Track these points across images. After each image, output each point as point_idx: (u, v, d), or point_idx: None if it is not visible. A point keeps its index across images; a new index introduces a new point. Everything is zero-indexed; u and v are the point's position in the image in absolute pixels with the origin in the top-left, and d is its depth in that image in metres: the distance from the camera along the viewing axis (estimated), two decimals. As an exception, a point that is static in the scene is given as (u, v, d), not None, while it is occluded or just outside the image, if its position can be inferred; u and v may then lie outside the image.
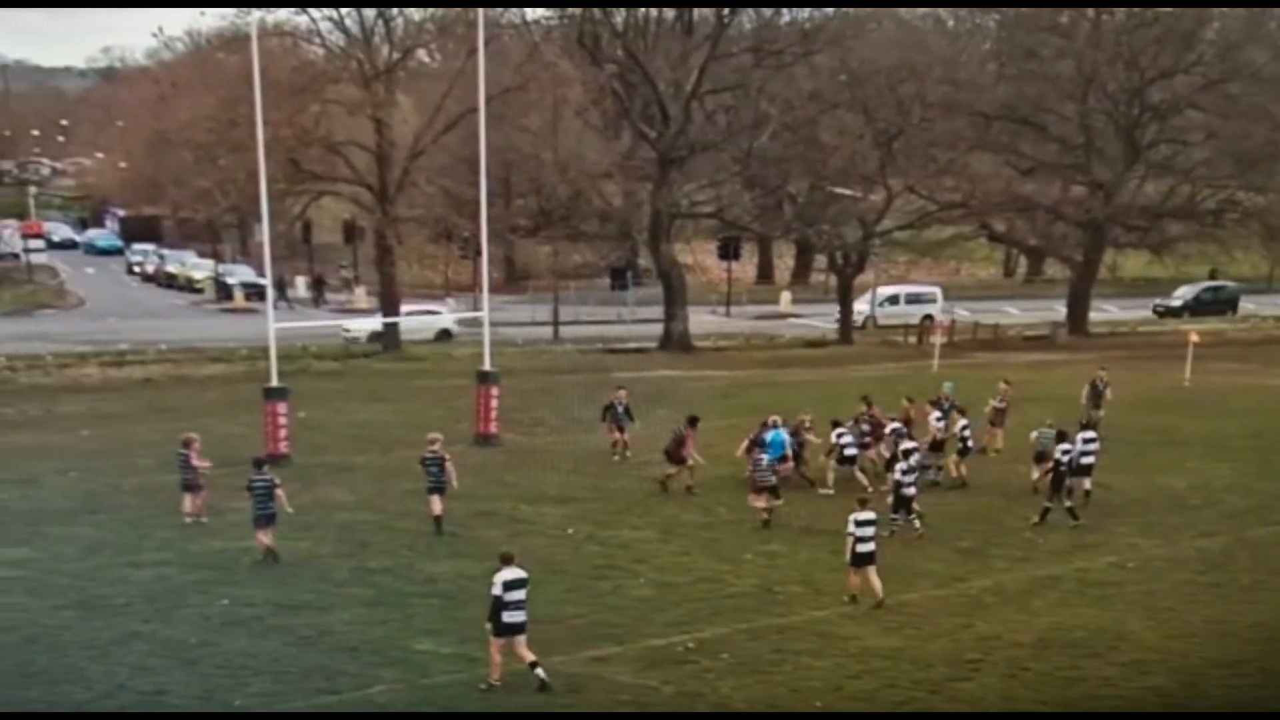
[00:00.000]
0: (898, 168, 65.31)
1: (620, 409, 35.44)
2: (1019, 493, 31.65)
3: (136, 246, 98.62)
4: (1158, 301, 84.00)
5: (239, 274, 79.18)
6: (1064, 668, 20.67)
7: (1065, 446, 29.30)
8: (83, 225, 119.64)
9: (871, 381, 45.89)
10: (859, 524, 23.21)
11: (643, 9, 65.15)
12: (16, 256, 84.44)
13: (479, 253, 44.79)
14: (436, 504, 27.75)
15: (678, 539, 28.09)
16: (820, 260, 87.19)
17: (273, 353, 35.93)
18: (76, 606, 22.83)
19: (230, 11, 57.37)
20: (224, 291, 77.77)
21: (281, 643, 21.14)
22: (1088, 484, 30.59)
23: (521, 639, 19.09)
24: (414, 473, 28.81)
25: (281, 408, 34.89)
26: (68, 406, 44.38)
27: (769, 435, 31.09)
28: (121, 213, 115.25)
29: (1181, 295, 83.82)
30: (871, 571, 23.32)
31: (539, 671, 19.07)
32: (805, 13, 66.83)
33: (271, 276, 39.05)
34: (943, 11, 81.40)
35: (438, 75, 65.37)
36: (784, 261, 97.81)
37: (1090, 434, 30.99)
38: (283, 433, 34.77)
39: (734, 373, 53.45)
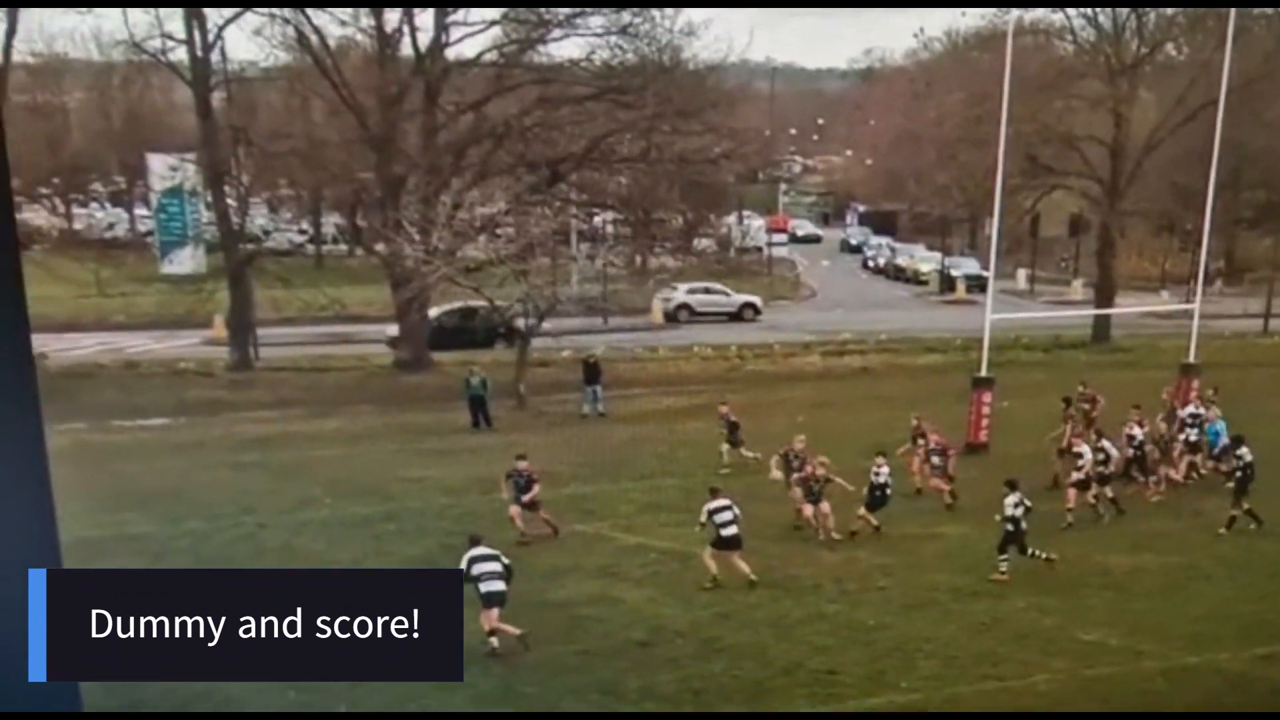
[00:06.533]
0: None
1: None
2: None
3: (871, 240, 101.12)
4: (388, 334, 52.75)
5: (964, 267, 79.38)
6: None
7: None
8: (824, 221, 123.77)
9: None
10: (715, 511, 23.55)
11: None
12: (760, 250, 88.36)
13: (1199, 245, 43.02)
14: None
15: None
16: None
17: (985, 343, 36.30)
18: (770, 586, 23.52)
19: (990, 11, 58.82)
20: (947, 283, 78.36)
21: (957, 628, 21.31)
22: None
23: (495, 611, 19.99)
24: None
25: (987, 397, 35.26)
26: (788, 393, 46.05)
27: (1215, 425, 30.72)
28: (862, 208, 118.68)
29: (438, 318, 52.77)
30: (736, 556, 23.54)
31: (493, 640, 19.85)
32: None
33: (995, 269, 39.16)
34: None
35: (1182, 69, 63.26)
36: None
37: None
38: (984, 421, 35.08)
39: None
